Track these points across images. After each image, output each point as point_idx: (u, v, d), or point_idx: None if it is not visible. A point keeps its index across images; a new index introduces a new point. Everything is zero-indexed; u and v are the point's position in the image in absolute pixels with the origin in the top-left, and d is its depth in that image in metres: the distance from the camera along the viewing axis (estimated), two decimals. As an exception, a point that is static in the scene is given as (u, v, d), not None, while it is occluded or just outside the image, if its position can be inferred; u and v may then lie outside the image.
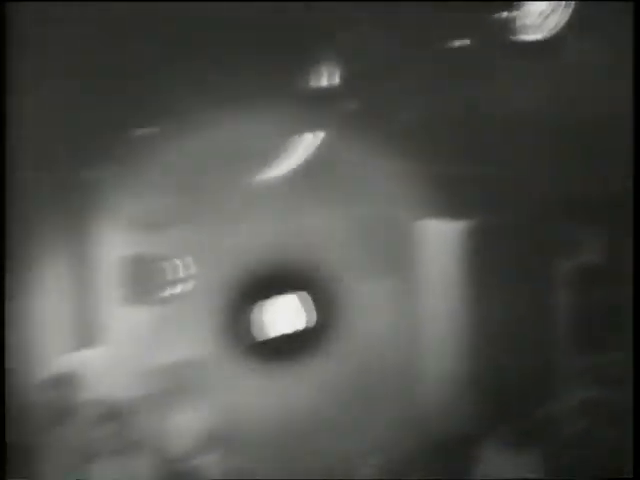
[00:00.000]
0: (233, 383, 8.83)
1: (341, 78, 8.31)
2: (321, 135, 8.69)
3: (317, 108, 8.47)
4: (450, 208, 8.75)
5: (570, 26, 7.09)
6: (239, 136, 8.25)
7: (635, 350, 6.87)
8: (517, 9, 7.20)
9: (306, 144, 8.73)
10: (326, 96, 8.38)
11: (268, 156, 8.92)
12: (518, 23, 7.20)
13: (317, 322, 8.60)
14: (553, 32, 7.20)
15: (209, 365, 8.93)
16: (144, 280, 8.99)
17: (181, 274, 9.04)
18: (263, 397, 8.72)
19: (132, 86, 8.15)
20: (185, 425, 8.86)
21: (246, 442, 8.70)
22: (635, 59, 7.20)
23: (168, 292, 9.02)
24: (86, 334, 9.07)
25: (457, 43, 7.52)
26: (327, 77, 8.34)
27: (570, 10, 7.15)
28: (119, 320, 9.08)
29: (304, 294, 8.62)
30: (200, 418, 8.86)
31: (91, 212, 9.20)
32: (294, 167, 8.85)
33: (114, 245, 9.13)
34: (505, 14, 7.29)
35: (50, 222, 8.97)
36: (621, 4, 7.25)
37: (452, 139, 8.30)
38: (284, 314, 8.62)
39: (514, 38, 7.24)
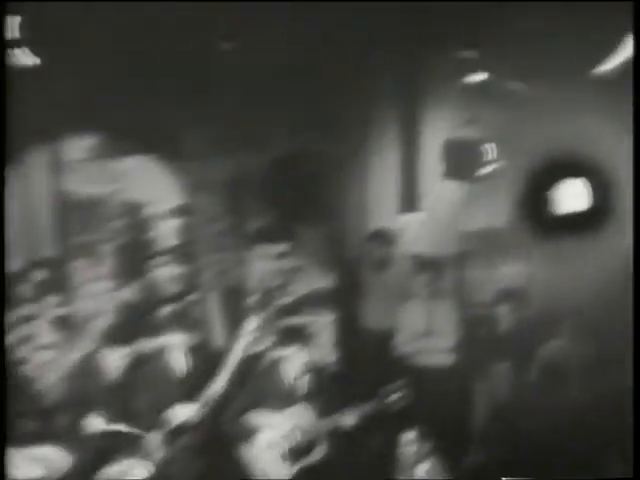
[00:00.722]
0: (526, 251, 10.09)
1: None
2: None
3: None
4: None
5: None
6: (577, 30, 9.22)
7: (635, 349, 7.30)
8: None
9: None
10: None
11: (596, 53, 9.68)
12: None
13: (595, 205, 9.61)
14: None
15: (507, 234, 10.18)
16: (461, 160, 10.37)
17: (490, 157, 10.35)
18: (549, 264, 9.92)
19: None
20: (484, 280, 10.33)
21: (534, 299, 9.90)
22: (635, 59, 7.63)
23: (479, 171, 10.37)
24: (409, 200, 10.68)
25: None
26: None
27: None
28: (437, 191, 10.59)
29: (586, 180, 9.59)
30: (497, 275, 10.31)
31: (425, 99, 10.77)
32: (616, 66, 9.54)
33: (440, 129, 10.60)
34: None
35: (391, 106, 10.76)
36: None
37: None
38: (571, 195, 9.81)
39: None
